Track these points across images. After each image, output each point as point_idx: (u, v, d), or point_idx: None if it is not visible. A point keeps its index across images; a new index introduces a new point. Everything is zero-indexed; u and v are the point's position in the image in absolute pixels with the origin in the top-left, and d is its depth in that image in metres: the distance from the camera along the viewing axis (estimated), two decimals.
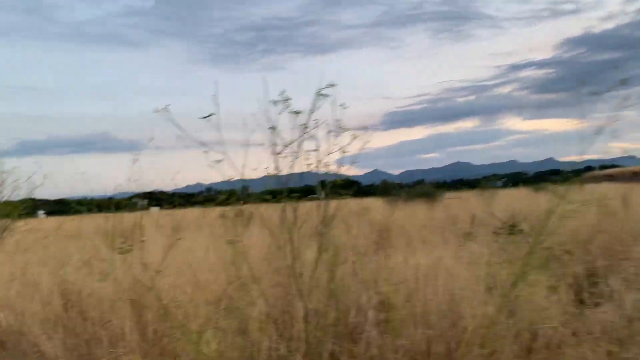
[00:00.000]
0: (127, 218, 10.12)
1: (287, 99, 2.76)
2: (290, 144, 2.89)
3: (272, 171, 3.03)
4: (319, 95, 2.82)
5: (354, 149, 3.05)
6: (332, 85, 2.74)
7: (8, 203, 9.35)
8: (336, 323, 3.01)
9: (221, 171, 3.02)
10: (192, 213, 16.45)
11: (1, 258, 7.09)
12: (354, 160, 3.17)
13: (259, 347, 2.60)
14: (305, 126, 2.82)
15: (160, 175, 10.10)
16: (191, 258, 4.95)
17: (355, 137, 2.84)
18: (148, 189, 10.78)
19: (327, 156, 3.07)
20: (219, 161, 2.92)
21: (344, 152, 2.93)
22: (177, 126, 2.97)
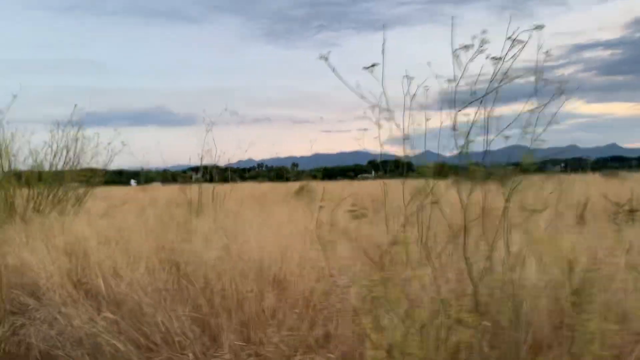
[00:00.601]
0: (196, 189, 10.03)
1: (483, 42, 2.30)
2: (476, 100, 2.44)
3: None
4: (514, 40, 2.35)
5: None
6: (538, 27, 2.26)
7: (77, 171, 9.36)
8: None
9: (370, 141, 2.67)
10: (256, 188, 16.39)
11: (83, 223, 7.03)
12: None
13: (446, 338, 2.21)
14: (505, 75, 2.37)
15: (215, 149, 9.95)
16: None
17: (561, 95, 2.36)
18: (203, 163, 10.68)
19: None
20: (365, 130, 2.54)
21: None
22: (338, 76, 2.58)
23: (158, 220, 6.86)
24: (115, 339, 3.43)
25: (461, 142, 2.56)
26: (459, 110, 2.50)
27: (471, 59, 2.36)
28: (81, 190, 9.04)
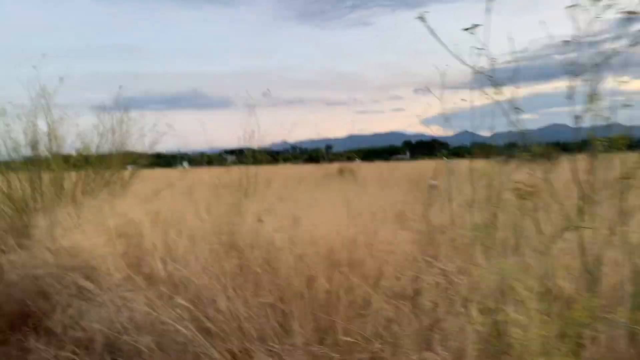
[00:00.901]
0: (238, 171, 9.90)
1: None
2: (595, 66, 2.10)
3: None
4: None
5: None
6: None
7: (123, 153, 9.33)
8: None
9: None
10: (295, 169, 16.24)
11: (133, 204, 6.95)
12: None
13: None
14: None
15: (257, 131, 9.71)
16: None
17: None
18: (243, 146, 10.48)
19: None
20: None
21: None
22: (437, 38, 2.28)
23: (208, 201, 6.73)
24: (183, 326, 3.27)
25: (579, 114, 2.23)
26: (576, 79, 2.17)
27: (599, 15, 2.02)
28: (128, 172, 9.04)
